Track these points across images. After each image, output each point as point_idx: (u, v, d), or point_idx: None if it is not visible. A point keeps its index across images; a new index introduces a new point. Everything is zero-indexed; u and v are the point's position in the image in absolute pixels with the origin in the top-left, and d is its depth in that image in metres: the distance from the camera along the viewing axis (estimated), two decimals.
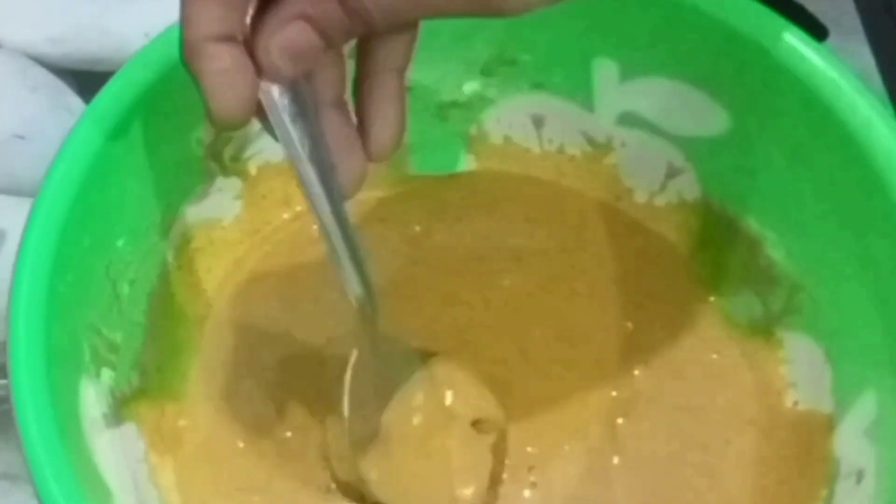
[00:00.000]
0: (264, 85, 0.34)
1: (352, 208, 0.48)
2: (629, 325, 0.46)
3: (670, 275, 0.47)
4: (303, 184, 0.35)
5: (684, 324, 0.46)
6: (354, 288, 0.38)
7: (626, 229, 0.48)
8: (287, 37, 0.33)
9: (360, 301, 0.38)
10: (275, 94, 0.34)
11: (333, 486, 0.43)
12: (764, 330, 0.46)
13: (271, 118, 0.34)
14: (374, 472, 0.41)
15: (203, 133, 0.43)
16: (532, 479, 0.43)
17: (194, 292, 0.46)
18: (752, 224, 0.45)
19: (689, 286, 0.47)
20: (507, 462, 0.43)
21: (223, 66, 0.33)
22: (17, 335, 0.36)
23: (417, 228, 0.48)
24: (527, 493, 0.43)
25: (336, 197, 0.36)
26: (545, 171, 0.49)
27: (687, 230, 0.47)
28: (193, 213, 0.45)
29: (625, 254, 0.48)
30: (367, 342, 0.40)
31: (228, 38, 0.33)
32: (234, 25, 0.33)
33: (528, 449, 0.44)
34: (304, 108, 0.35)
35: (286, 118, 0.34)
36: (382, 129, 0.36)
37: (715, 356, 0.46)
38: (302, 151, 0.35)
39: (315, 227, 0.47)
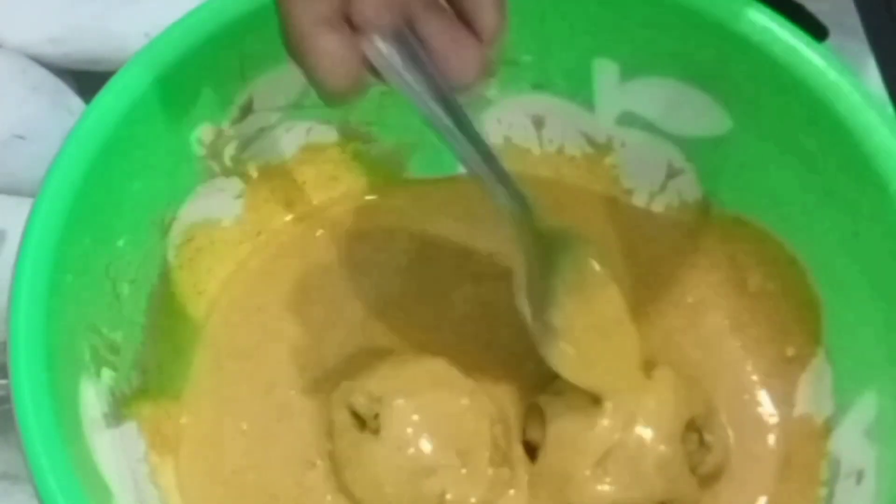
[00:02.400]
0: (370, 44, 0.35)
1: (350, 213, 0.48)
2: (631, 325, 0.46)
3: (670, 275, 0.47)
4: (430, 121, 0.36)
5: (686, 324, 0.46)
6: (503, 198, 0.39)
7: (627, 230, 0.48)
8: None
9: (512, 207, 0.39)
10: (382, 49, 0.35)
11: (318, 462, 0.44)
12: None
13: (386, 75, 0.35)
14: (565, 366, 0.42)
15: (203, 133, 0.43)
16: None
17: (195, 292, 0.46)
18: (754, 223, 0.45)
19: (690, 286, 0.47)
20: None
21: (331, 51, 0.34)
22: (17, 335, 0.36)
23: (415, 232, 0.48)
24: None
25: (466, 123, 0.37)
26: (545, 172, 0.49)
27: (687, 230, 0.47)
28: (194, 212, 0.45)
29: (625, 254, 0.48)
30: (530, 242, 0.41)
31: (329, 21, 0.34)
32: (333, 6, 0.34)
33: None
34: (414, 51, 0.35)
35: (399, 67, 0.35)
36: (485, 7, 0.36)
37: (716, 354, 0.46)
38: (423, 92, 0.36)
39: (319, 232, 0.48)
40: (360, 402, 0.43)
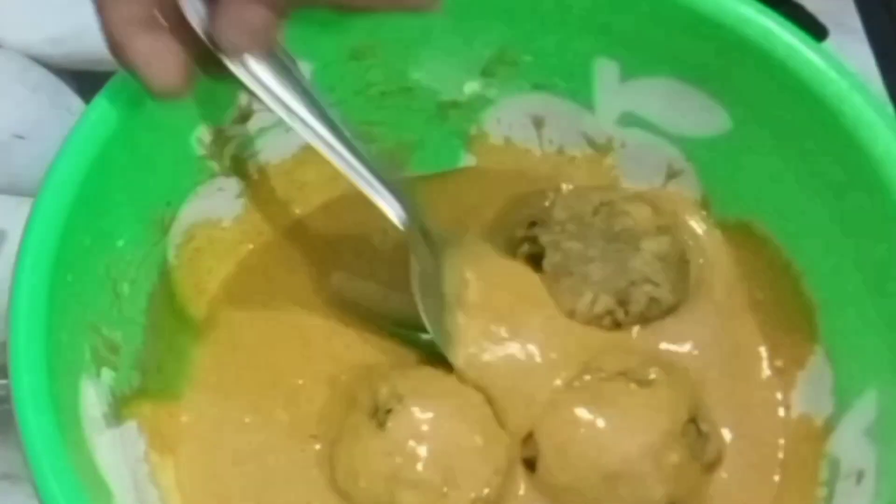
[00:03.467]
0: (235, 62, 0.36)
1: (350, 213, 0.48)
2: (632, 325, 0.46)
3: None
4: (308, 135, 0.38)
5: (686, 325, 0.46)
6: (390, 204, 0.41)
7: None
8: (243, 20, 0.35)
9: (401, 217, 0.41)
10: (252, 66, 0.37)
11: (318, 446, 0.44)
12: None
13: (254, 90, 0.37)
14: (464, 370, 0.43)
15: (203, 133, 0.43)
16: None
17: (195, 292, 0.46)
18: (753, 224, 0.45)
19: (690, 287, 0.47)
20: None
21: (146, 52, 0.35)
22: (17, 335, 0.36)
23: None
24: None
25: (341, 130, 0.38)
26: (545, 172, 0.49)
27: (687, 231, 0.47)
28: (194, 212, 0.45)
29: None
30: (423, 249, 0.42)
31: (142, 22, 0.35)
32: (144, 8, 0.35)
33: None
34: (285, 65, 0.37)
35: (269, 82, 0.37)
36: None
37: (715, 356, 0.46)
38: (298, 106, 0.38)
39: (320, 231, 0.48)
40: (383, 392, 0.42)
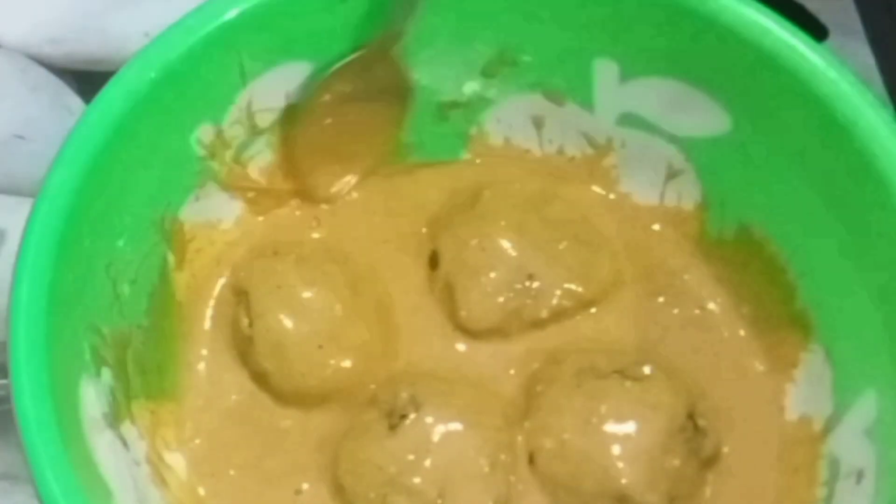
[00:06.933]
0: None
1: (351, 213, 0.48)
2: (631, 326, 0.46)
3: (669, 274, 0.47)
4: None
5: (685, 322, 0.46)
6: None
7: (627, 230, 0.48)
8: None
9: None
10: None
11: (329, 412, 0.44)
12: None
13: None
14: None
15: (203, 133, 0.43)
16: None
17: (194, 293, 0.46)
18: (753, 224, 0.45)
19: (689, 287, 0.47)
20: None
21: None
22: (17, 335, 0.36)
23: (421, 227, 0.48)
24: None
25: None
26: (545, 172, 0.49)
27: (687, 231, 0.47)
28: (194, 213, 0.45)
29: (625, 253, 0.48)
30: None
31: None
32: None
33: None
34: None
35: None
36: None
37: (713, 353, 0.46)
38: None
39: (320, 232, 0.48)
40: (403, 397, 0.42)
